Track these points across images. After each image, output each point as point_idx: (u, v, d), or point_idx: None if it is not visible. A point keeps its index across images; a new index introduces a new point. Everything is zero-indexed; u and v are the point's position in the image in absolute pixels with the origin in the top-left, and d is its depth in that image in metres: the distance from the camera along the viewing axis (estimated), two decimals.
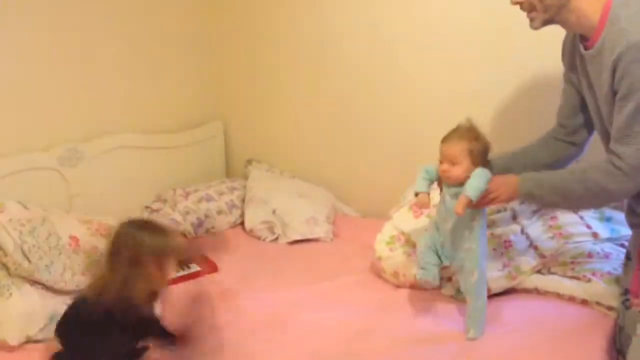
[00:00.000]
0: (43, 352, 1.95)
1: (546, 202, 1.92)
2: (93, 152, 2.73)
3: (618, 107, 1.64)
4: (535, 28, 1.75)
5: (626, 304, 1.84)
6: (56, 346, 1.81)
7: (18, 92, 2.50)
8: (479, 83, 2.59)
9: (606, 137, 1.76)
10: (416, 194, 1.96)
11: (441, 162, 1.91)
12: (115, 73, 2.84)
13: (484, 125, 2.56)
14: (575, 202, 1.84)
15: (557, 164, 1.98)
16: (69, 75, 2.67)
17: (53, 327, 2.02)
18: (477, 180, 1.84)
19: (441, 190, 1.97)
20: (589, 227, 2.17)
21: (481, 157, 1.89)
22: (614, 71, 1.62)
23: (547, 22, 1.73)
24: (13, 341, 1.97)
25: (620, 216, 2.08)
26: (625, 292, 1.85)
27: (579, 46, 1.76)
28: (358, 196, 3.04)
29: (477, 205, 1.87)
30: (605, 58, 1.64)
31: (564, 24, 1.75)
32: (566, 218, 2.19)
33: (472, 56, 2.56)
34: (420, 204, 1.96)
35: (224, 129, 3.35)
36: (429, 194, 1.96)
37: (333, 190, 3.05)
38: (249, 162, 3.26)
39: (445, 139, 1.92)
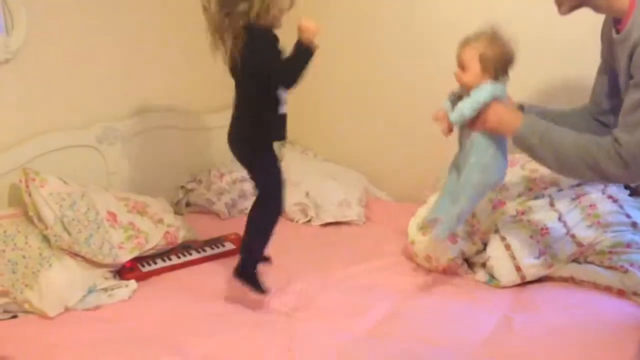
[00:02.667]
0: (80, 322, 2.00)
1: (537, 155, 1.79)
2: (131, 131, 2.77)
3: (630, 92, 1.60)
4: (563, 14, 1.71)
5: None
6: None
7: (59, 72, 2.54)
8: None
9: None
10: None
11: (457, 66, 1.89)
12: (154, 53, 2.86)
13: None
14: (566, 167, 1.75)
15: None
16: (109, 56, 2.70)
17: (91, 298, 2.09)
18: (465, 103, 1.81)
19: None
20: (628, 216, 2.12)
21: (494, 65, 1.82)
22: (631, 57, 1.57)
23: (575, 7, 1.69)
24: (52, 311, 2.02)
25: None
26: None
27: (612, 30, 1.71)
28: (391, 180, 3.03)
29: (469, 126, 1.87)
30: (629, 42, 1.59)
31: (594, 8, 1.70)
32: (605, 206, 2.15)
33: None
34: (435, 116, 1.93)
35: None
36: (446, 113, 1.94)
37: (366, 174, 3.05)
38: (283, 144, 3.27)
39: (462, 41, 1.87)
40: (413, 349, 1.80)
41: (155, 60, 2.87)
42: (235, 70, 2.00)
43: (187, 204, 2.97)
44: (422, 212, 2.35)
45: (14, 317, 2.05)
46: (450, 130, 1.92)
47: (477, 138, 1.87)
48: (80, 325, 1.99)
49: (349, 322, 1.96)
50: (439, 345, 1.81)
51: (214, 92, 3.15)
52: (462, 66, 1.86)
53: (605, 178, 1.69)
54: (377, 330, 1.92)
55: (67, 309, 2.05)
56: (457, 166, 1.98)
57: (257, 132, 2.03)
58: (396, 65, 2.90)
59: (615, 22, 1.69)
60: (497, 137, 1.87)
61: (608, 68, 1.84)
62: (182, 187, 2.99)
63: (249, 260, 2.06)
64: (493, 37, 1.84)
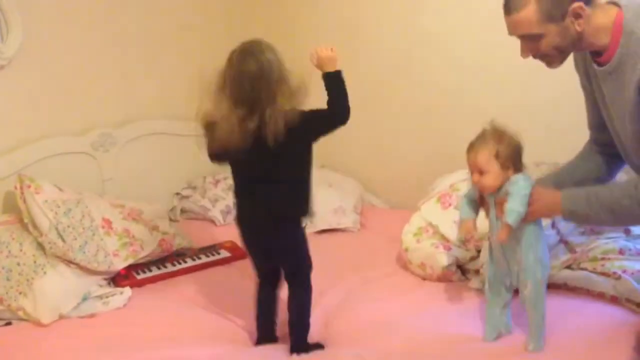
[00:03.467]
0: (75, 329, 2.00)
1: (592, 220, 1.75)
2: (126, 137, 2.78)
3: None
4: (556, 67, 1.69)
5: None
6: None
7: (54, 79, 2.55)
8: (510, 74, 2.57)
9: (625, 154, 1.70)
10: (461, 221, 1.90)
11: (472, 173, 1.85)
12: (148, 61, 2.88)
13: (517, 118, 2.54)
14: (623, 216, 1.68)
15: (608, 175, 1.88)
16: (103, 63, 2.71)
17: (85, 306, 2.09)
18: (514, 202, 1.76)
19: (484, 206, 1.90)
20: None
21: (511, 159, 1.80)
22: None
23: (564, 60, 1.67)
24: (46, 319, 2.02)
25: None
26: None
27: (590, 62, 1.69)
28: (386, 187, 3.04)
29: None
30: (627, 75, 1.56)
31: (578, 50, 1.68)
32: None
33: (505, 47, 2.53)
34: (465, 230, 1.90)
35: None
36: (474, 220, 1.89)
37: (361, 181, 3.06)
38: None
39: (469, 148, 1.84)
40: (409, 356, 1.80)
41: (150, 67, 2.88)
42: (261, 149, 1.81)
43: (182, 211, 2.97)
44: (416, 220, 2.36)
45: (8, 324, 2.04)
46: (507, 235, 1.78)
47: (525, 234, 1.82)
48: (75, 332, 1.99)
49: (344, 329, 1.96)
50: (434, 352, 1.81)
51: None
52: (479, 171, 1.82)
53: None
54: (370, 338, 1.92)
55: (61, 317, 2.05)
56: (497, 277, 1.92)
57: (299, 208, 1.90)
58: (393, 75, 2.91)
59: (593, 55, 1.67)
60: (538, 223, 1.85)
61: (591, 98, 1.81)
62: (177, 193, 2.99)
63: (303, 337, 1.95)
64: (499, 134, 1.81)
